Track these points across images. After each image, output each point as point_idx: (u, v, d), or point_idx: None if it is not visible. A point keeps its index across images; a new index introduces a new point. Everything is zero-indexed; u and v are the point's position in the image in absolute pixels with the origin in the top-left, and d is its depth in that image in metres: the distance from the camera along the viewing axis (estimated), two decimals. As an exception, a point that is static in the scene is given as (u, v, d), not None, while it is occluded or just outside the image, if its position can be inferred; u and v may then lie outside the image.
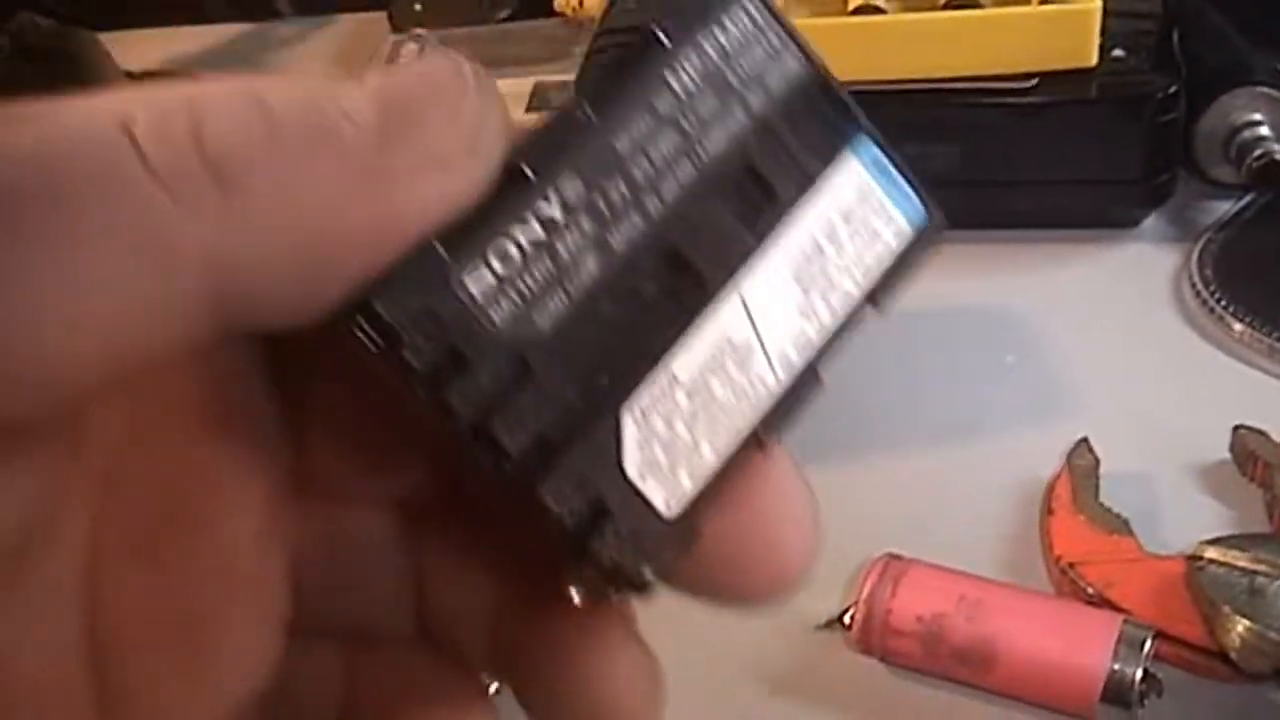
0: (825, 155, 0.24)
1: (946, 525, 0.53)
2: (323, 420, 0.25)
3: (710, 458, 0.22)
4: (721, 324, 0.23)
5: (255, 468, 0.24)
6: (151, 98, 0.20)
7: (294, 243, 0.19)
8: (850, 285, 0.24)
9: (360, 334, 0.20)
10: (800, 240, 0.23)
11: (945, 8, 0.63)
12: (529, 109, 0.80)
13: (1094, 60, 0.62)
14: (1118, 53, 0.63)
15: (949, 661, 0.46)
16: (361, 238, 0.20)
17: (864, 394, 0.58)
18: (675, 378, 0.22)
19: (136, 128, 0.19)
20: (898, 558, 0.49)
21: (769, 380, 0.23)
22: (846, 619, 0.48)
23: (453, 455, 0.22)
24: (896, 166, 0.25)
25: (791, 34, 0.24)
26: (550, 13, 0.84)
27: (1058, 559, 0.50)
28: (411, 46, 0.83)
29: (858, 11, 0.63)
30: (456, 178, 0.21)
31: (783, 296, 0.23)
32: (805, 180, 0.23)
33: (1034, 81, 0.62)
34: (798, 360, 0.23)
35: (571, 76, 0.80)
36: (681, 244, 0.22)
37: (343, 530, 0.26)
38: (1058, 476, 0.53)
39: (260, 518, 0.24)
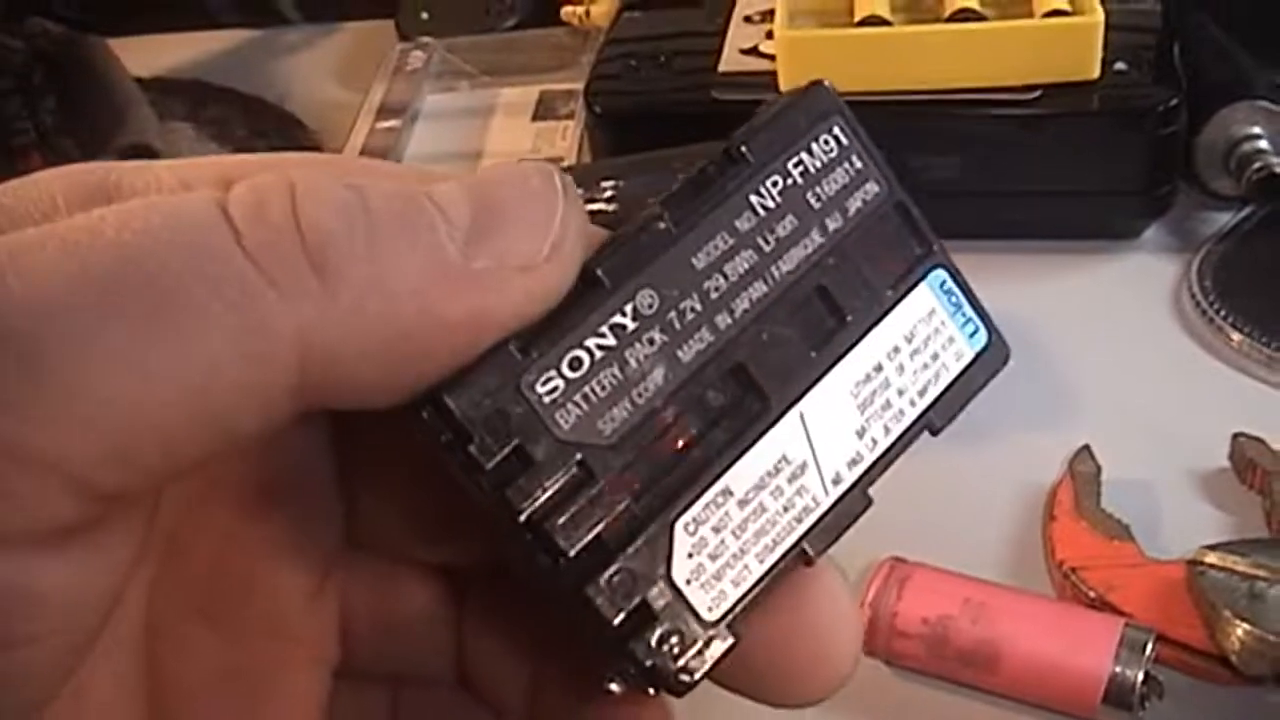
0: (898, 281, 0.25)
1: (950, 530, 0.53)
2: (377, 487, 0.26)
3: (756, 568, 0.23)
4: (779, 441, 0.23)
5: (310, 532, 0.25)
6: (250, 179, 0.20)
7: (384, 334, 0.20)
8: (908, 408, 0.25)
9: (430, 423, 0.21)
10: (864, 362, 0.24)
11: (949, 20, 0.63)
12: (535, 117, 0.80)
13: (1096, 73, 0.63)
14: (1120, 66, 0.63)
15: (953, 663, 0.47)
16: (448, 333, 0.21)
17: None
18: (729, 490, 0.23)
19: (234, 210, 0.20)
20: (902, 561, 0.50)
21: (820, 497, 0.24)
22: (852, 621, 0.49)
23: (507, 545, 0.22)
24: (965, 292, 0.26)
25: (874, 156, 0.25)
26: (557, 22, 0.85)
27: (1060, 563, 0.50)
28: (419, 55, 0.84)
29: (863, 23, 0.64)
30: (540, 281, 0.21)
31: (842, 417, 0.24)
32: (876, 305, 0.24)
33: (1037, 93, 0.63)
34: (849, 478, 0.24)
35: (577, 85, 0.81)
36: (749, 361, 0.23)
37: (391, 585, 0.26)
38: (1060, 483, 0.54)
39: (313, 578, 0.25)
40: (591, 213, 0.49)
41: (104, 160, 0.58)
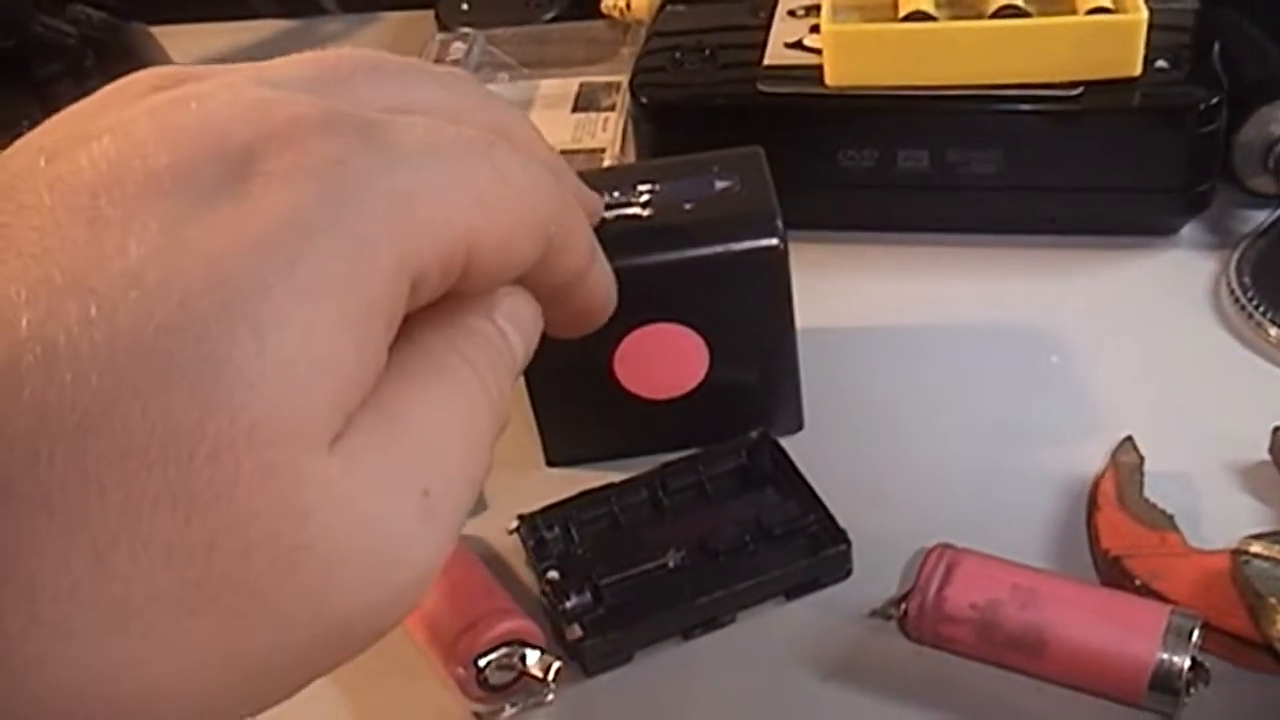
0: None
1: (995, 519, 0.54)
2: None
3: None
4: None
5: None
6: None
7: None
8: None
9: None
10: None
11: (993, 16, 0.64)
12: (575, 108, 0.81)
13: (1139, 70, 0.63)
14: (1161, 64, 0.64)
15: (1002, 648, 0.48)
16: None
17: (914, 392, 0.60)
18: None
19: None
20: (951, 547, 0.50)
21: None
22: (901, 606, 0.50)
23: None
24: None
25: None
26: (595, 14, 0.86)
27: (1105, 552, 0.51)
28: (460, 45, 0.85)
29: (908, 18, 0.65)
30: None
31: None
32: None
33: (1079, 90, 0.63)
34: None
35: (617, 77, 0.82)
36: None
37: None
38: (1103, 473, 0.55)
39: None
40: (626, 217, 0.50)
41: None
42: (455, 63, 0.84)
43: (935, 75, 0.64)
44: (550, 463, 0.59)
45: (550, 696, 0.50)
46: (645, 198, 0.54)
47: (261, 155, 0.28)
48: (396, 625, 0.30)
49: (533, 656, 0.50)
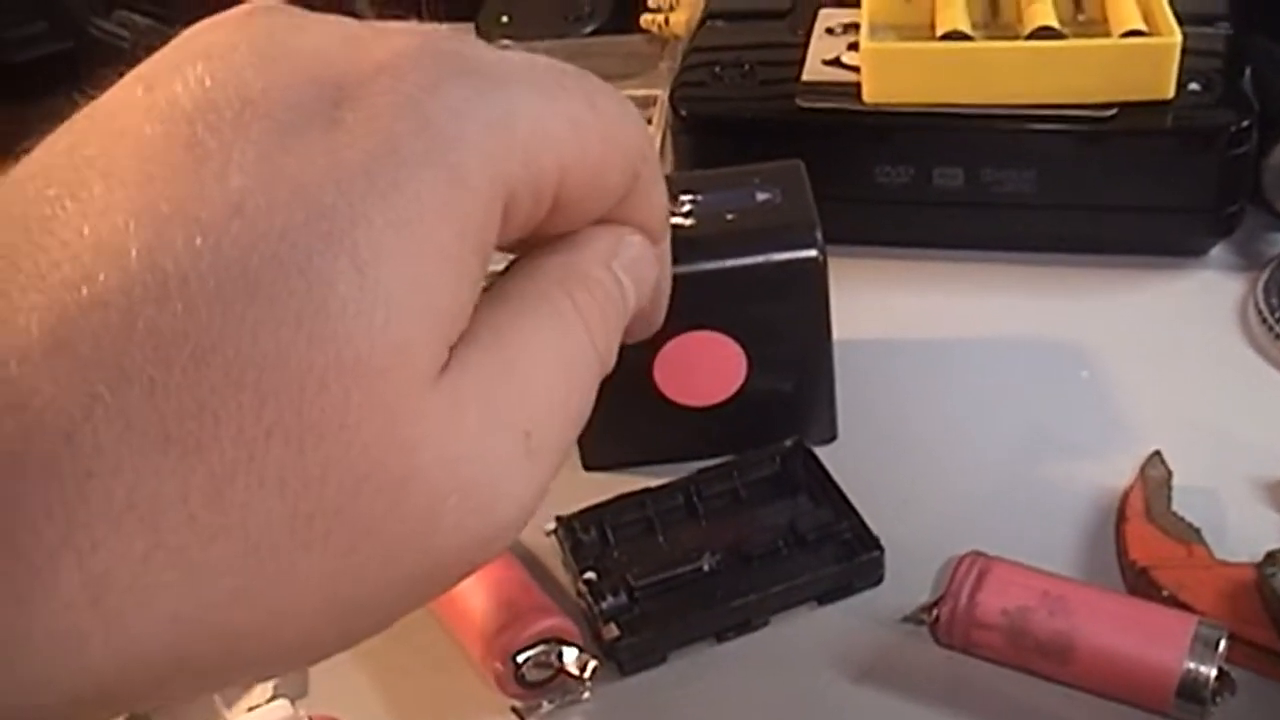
0: None
1: (1025, 528, 0.55)
2: None
3: None
4: None
5: None
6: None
7: None
8: None
9: None
10: None
11: (1029, 38, 0.65)
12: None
13: (1171, 93, 0.64)
14: (1193, 86, 0.65)
15: (1031, 654, 0.49)
16: None
17: (947, 404, 0.61)
18: None
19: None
20: (983, 555, 0.51)
21: None
22: (933, 612, 0.51)
23: None
24: None
25: None
26: (635, 29, 0.87)
27: (1133, 563, 0.52)
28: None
29: (945, 38, 0.66)
30: None
31: None
32: None
33: (1113, 111, 0.65)
34: None
35: (654, 91, 0.83)
36: None
37: None
38: (1132, 486, 0.56)
39: None
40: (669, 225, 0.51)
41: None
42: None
43: (971, 94, 0.66)
44: (587, 466, 0.60)
45: (586, 694, 0.51)
46: (687, 208, 0.55)
47: (357, 83, 0.28)
48: (490, 560, 0.31)
49: (570, 654, 0.51)
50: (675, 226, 0.53)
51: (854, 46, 0.70)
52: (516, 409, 0.30)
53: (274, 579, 0.26)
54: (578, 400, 0.33)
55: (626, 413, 0.57)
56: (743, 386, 0.57)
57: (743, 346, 0.56)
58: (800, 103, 0.68)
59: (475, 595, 0.53)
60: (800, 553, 0.54)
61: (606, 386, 0.56)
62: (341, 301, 0.26)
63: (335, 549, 0.26)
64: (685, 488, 0.56)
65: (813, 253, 0.55)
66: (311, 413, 0.25)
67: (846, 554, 0.54)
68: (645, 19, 0.85)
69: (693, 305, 0.53)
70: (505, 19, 0.90)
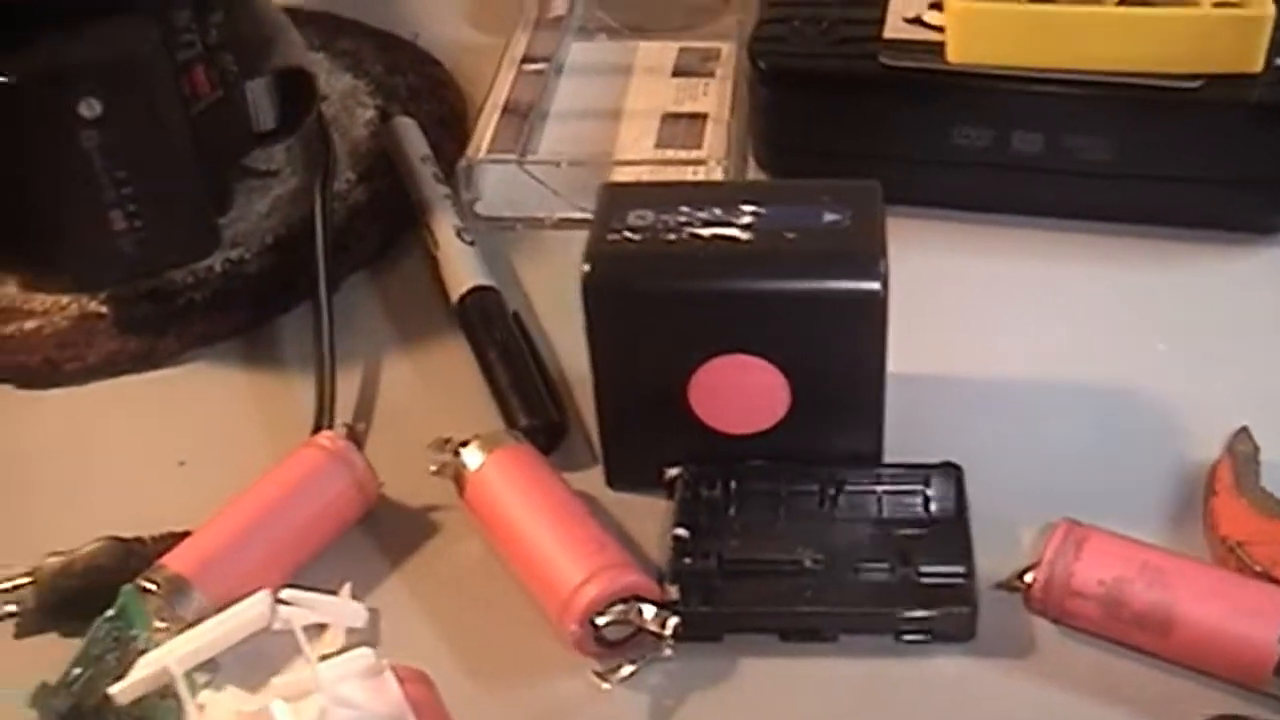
0: None
1: (1110, 500, 0.55)
2: None
3: None
4: None
5: None
6: None
7: None
8: None
9: None
10: None
11: (1120, 4, 0.65)
12: (674, 73, 0.82)
13: (1260, 67, 0.64)
14: (1280, 61, 0.65)
15: (1128, 625, 0.49)
16: None
17: (1025, 369, 0.61)
18: None
19: None
20: (1079, 524, 0.51)
21: None
22: (1028, 578, 0.50)
23: None
24: None
25: None
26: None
27: (1224, 538, 0.52)
28: (561, 2, 0.85)
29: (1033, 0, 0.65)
30: None
31: None
32: None
33: (1199, 83, 0.64)
34: None
35: (715, 44, 0.82)
36: None
37: None
38: (1220, 461, 0.55)
39: None
40: (723, 237, 0.49)
41: (260, 81, 0.60)
42: (557, 19, 0.84)
43: (1056, 58, 0.65)
44: (612, 485, 0.58)
45: (668, 651, 0.50)
46: (747, 219, 0.53)
47: None
48: None
49: (649, 611, 0.50)
50: (730, 239, 0.51)
51: (936, 5, 0.69)
52: None
53: None
54: None
55: (656, 433, 0.55)
56: (783, 420, 0.54)
57: (787, 377, 0.53)
58: (884, 60, 0.67)
59: (550, 551, 0.52)
60: (903, 585, 0.51)
61: (639, 404, 0.55)
62: None
63: None
64: (825, 478, 0.54)
65: (875, 285, 0.51)
66: None
67: (946, 600, 0.51)
68: (712, -36, 0.84)
69: (737, 325, 0.52)
70: (565, -35, 0.88)
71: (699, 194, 0.55)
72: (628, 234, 0.53)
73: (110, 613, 0.49)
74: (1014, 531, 0.54)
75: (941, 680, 0.50)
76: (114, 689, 0.46)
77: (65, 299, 0.70)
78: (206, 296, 0.70)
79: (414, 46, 0.88)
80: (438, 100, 0.83)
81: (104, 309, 0.70)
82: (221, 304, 0.69)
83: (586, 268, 0.52)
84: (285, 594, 0.49)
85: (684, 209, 0.54)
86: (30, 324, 0.69)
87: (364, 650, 0.48)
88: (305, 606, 0.48)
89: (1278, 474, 0.55)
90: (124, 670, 0.47)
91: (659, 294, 0.52)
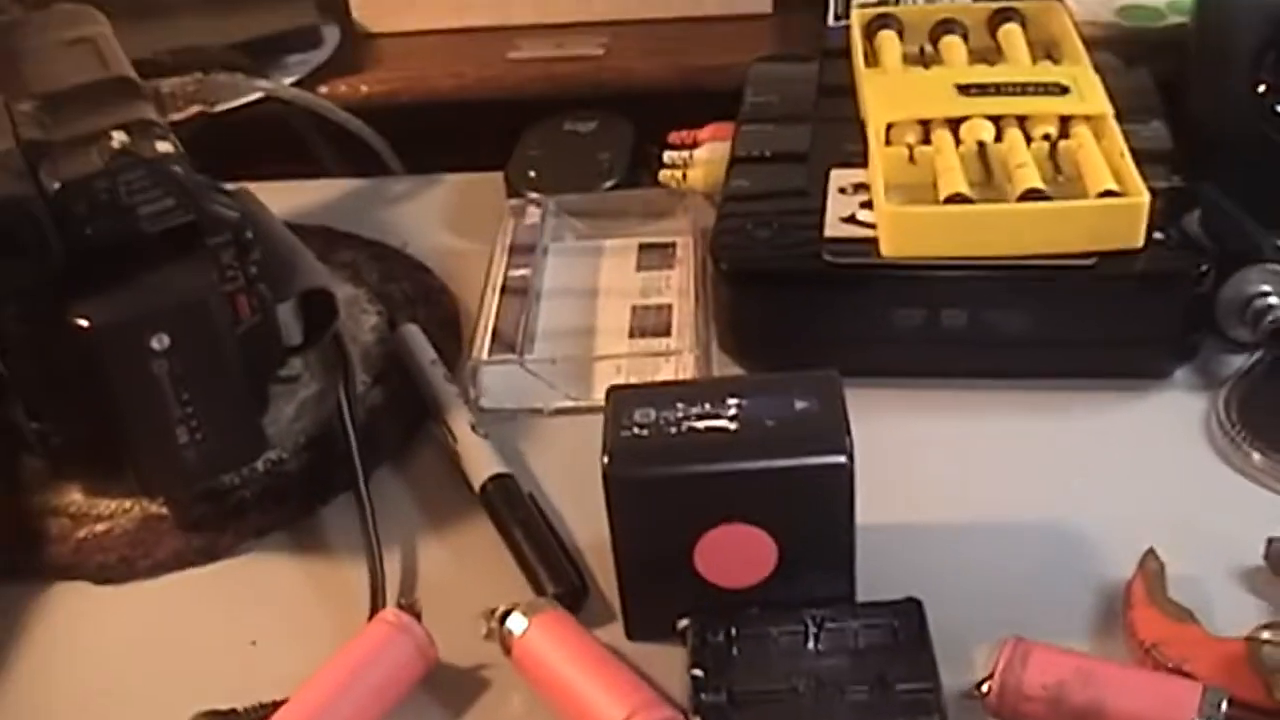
0: None
1: (1047, 617, 0.66)
2: None
3: None
4: None
5: None
6: None
7: None
8: None
9: None
10: None
11: (1020, 199, 0.77)
12: (638, 268, 0.94)
13: (1141, 242, 0.77)
14: (1158, 235, 0.77)
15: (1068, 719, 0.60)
16: None
17: (973, 512, 0.72)
18: None
19: None
20: (1023, 639, 0.62)
21: None
22: (984, 688, 0.62)
23: None
24: None
25: None
26: (648, 183, 0.99)
27: (1141, 642, 0.64)
28: (534, 211, 0.97)
29: (950, 200, 0.78)
30: None
31: None
32: None
33: (1093, 260, 0.77)
34: None
35: (673, 238, 0.94)
36: None
37: None
38: (1134, 577, 0.67)
39: None
40: (715, 429, 0.60)
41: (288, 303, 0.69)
42: (531, 226, 0.95)
43: (973, 248, 0.77)
44: (630, 636, 0.68)
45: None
46: (733, 411, 0.64)
47: None
48: None
49: (684, 744, 0.61)
50: (721, 430, 0.64)
51: (866, 205, 0.82)
52: None
53: None
54: None
55: (668, 592, 0.67)
56: (773, 573, 0.65)
57: (774, 538, 0.64)
58: (826, 257, 0.80)
59: (594, 694, 0.63)
60: (882, 701, 0.61)
61: (653, 570, 0.66)
62: None
63: None
64: (808, 620, 0.65)
65: (842, 459, 0.62)
66: None
67: (918, 711, 0.61)
68: (664, 175, 0.97)
69: (733, 499, 0.64)
70: (533, 173, 1.00)
71: (690, 392, 0.66)
72: (636, 430, 0.64)
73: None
74: (968, 650, 0.65)
75: (922, 777, 0.61)
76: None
77: (128, 503, 0.80)
78: (255, 494, 0.80)
79: (404, 255, 0.99)
80: (433, 305, 0.94)
81: (164, 510, 0.79)
82: (269, 500, 0.79)
83: (606, 460, 0.63)
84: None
85: (679, 405, 0.65)
86: (100, 527, 0.79)
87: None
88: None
89: (1182, 585, 0.67)
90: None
91: (667, 478, 0.64)
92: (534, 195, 0.98)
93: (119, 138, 0.71)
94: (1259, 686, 0.60)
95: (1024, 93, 0.85)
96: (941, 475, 0.76)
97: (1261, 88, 0.88)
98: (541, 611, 0.66)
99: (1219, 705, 0.58)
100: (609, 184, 0.99)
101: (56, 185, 0.69)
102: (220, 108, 1.03)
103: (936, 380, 0.82)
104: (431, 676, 0.67)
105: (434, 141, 1.10)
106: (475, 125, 1.09)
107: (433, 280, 0.97)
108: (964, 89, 0.86)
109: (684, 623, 0.66)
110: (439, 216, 1.04)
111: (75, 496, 0.81)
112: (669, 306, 0.89)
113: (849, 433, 0.63)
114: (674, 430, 0.64)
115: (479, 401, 0.83)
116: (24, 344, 0.72)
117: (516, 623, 0.66)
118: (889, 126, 0.84)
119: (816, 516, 0.64)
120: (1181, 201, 0.80)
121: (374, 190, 1.10)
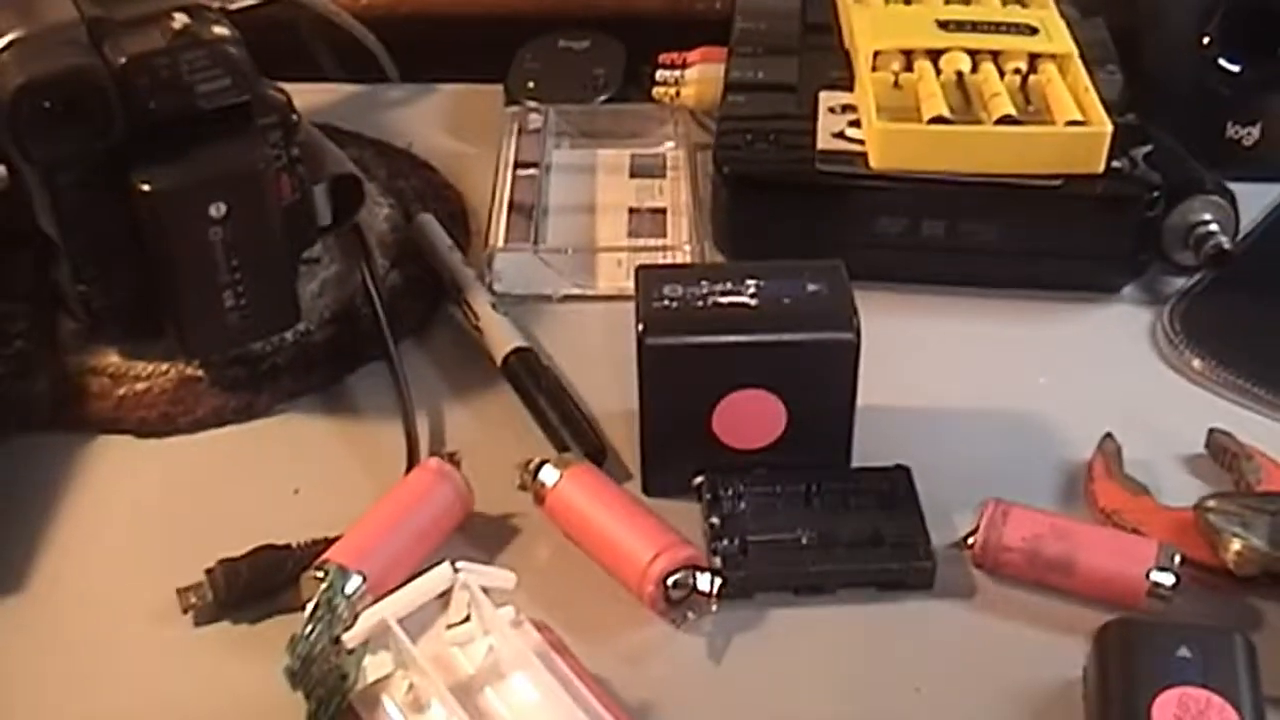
0: None
1: (1020, 487, 0.74)
2: None
3: None
4: None
5: None
6: None
7: None
8: None
9: None
10: None
11: (996, 123, 0.86)
12: (631, 175, 1.01)
13: (1102, 168, 0.85)
14: (1116, 164, 0.86)
15: (1044, 570, 0.69)
16: None
17: (953, 400, 0.81)
18: None
19: None
20: (1003, 500, 0.71)
21: None
22: (969, 541, 0.70)
23: None
24: None
25: None
26: (641, 98, 1.06)
27: (1102, 509, 0.73)
28: (536, 117, 1.03)
29: (932, 121, 0.86)
30: None
31: None
32: None
33: (1059, 181, 0.85)
34: None
35: (659, 149, 1.02)
36: None
37: None
38: (1095, 456, 0.76)
39: None
40: (737, 304, 0.67)
41: (321, 185, 0.76)
42: (535, 131, 1.02)
43: (953, 164, 0.86)
44: (647, 493, 0.75)
45: (715, 608, 0.69)
46: (752, 290, 0.71)
47: None
48: None
49: (704, 578, 0.69)
50: (743, 305, 0.71)
51: (855, 124, 0.90)
52: None
53: None
54: None
55: (685, 453, 0.74)
56: (781, 436, 0.72)
57: (785, 404, 0.71)
58: (819, 167, 0.88)
59: (625, 536, 0.70)
60: (876, 549, 0.69)
61: (673, 432, 0.73)
62: None
63: None
64: (809, 481, 0.73)
65: (849, 335, 0.69)
66: None
67: (909, 558, 0.69)
68: (658, 91, 1.04)
69: (750, 368, 0.71)
70: (531, 84, 1.07)
71: (713, 273, 0.74)
72: (667, 302, 0.72)
73: (324, 587, 0.66)
74: (950, 516, 0.74)
75: (911, 617, 0.70)
76: (345, 635, 0.63)
77: (164, 365, 0.85)
78: (286, 361, 0.85)
79: (409, 154, 1.05)
80: (441, 200, 1.00)
81: (200, 373, 0.85)
82: (299, 367, 0.85)
83: (640, 328, 0.71)
84: (460, 564, 0.66)
85: (704, 283, 0.73)
86: (140, 385, 0.84)
87: (508, 608, 0.66)
88: (475, 573, 0.66)
89: (1135, 468, 0.76)
90: (339, 626, 0.64)
91: (695, 345, 0.71)
92: (532, 103, 1.04)
93: (180, 19, 0.75)
94: (1205, 548, 0.69)
95: (998, 31, 0.93)
96: (920, 368, 0.84)
97: (1205, 39, 0.97)
98: (573, 465, 0.74)
99: (1173, 558, 0.68)
100: (603, 98, 1.06)
101: (122, 60, 0.74)
102: (234, 5, 1.07)
103: (916, 285, 0.90)
104: (467, 524, 0.74)
105: (430, 54, 1.16)
106: (470, 40, 1.14)
107: (438, 178, 1.02)
108: (943, 24, 0.94)
109: (699, 479, 0.74)
110: (439, 122, 1.09)
111: (113, 358, 0.86)
112: (664, 210, 0.96)
113: (856, 313, 0.71)
114: (700, 304, 0.71)
115: (493, 286, 0.90)
116: (80, 211, 0.77)
117: (549, 474, 0.73)
118: (876, 54, 0.92)
119: (824, 386, 0.72)
120: (1135, 137, 0.89)
121: (375, 96, 1.14)
